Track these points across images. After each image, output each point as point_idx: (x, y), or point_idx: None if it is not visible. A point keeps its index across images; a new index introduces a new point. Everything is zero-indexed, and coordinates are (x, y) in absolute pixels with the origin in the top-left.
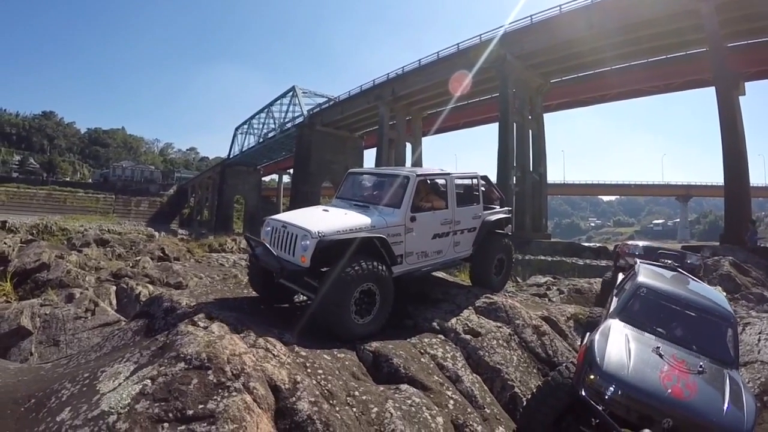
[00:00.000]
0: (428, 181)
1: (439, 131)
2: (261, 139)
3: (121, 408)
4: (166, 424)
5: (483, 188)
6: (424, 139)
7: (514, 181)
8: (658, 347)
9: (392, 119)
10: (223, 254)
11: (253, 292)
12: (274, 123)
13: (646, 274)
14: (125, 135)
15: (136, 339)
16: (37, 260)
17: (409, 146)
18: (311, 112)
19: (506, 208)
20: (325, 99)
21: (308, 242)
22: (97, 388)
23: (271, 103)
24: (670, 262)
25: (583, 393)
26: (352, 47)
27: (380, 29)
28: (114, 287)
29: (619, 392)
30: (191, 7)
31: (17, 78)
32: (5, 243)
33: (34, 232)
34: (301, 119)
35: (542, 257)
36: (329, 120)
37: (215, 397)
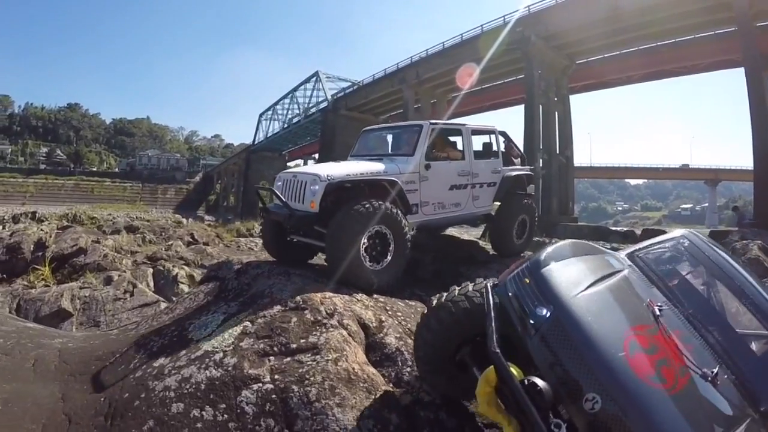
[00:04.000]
0: (443, 131)
1: (464, 114)
2: (285, 125)
3: (225, 346)
4: (272, 357)
5: (504, 144)
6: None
7: (541, 164)
8: (660, 307)
9: (417, 102)
10: (251, 239)
11: None
12: (299, 108)
13: (699, 237)
14: (150, 124)
15: (210, 299)
16: (74, 245)
17: None
18: (335, 97)
19: (528, 167)
20: (349, 83)
21: (317, 186)
22: (189, 336)
23: (295, 89)
24: None
25: (495, 299)
26: (376, 31)
27: (404, 12)
28: (151, 269)
29: (552, 322)
30: None
31: (42, 71)
32: (42, 230)
33: (64, 221)
34: (325, 104)
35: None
36: (353, 104)
37: (315, 332)
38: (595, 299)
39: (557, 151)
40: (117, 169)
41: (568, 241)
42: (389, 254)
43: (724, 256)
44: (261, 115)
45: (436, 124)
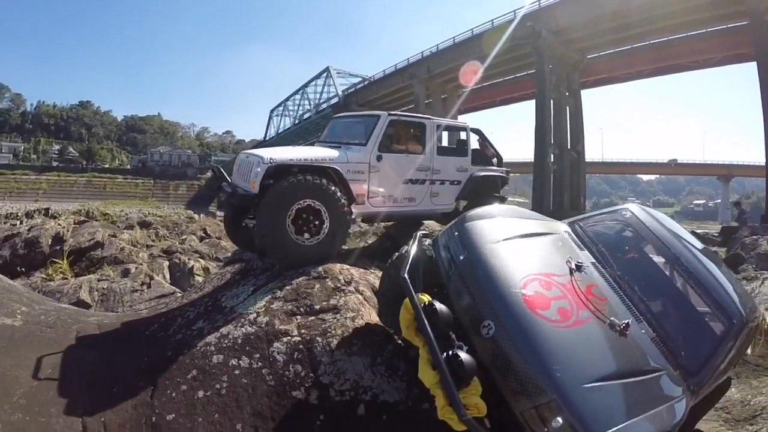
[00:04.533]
0: (403, 123)
1: (475, 109)
2: (297, 121)
3: (258, 309)
4: (299, 317)
5: (478, 143)
6: (460, 117)
7: (552, 159)
8: (580, 264)
9: (428, 98)
10: None
11: None
12: (310, 104)
13: (643, 209)
14: (161, 121)
15: (237, 277)
16: (91, 239)
17: None
18: (346, 93)
19: (503, 168)
20: (359, 79)
21: (259, 168)
22: (223, 305)
23: (306, 85)
24: None
25: (422, 243)
26: (386, 26)
27: (415, 7)
28: (167, 262)
29: (465, 262)
30: None
31: (54, 70)
32: (60, 224)
33: (78, 217)
34: (336, 100)
35: None
36: (364, 100)
37: (335, 296)
38: (509, 248)
39: (568, 146)
40: (129, 166)
41: (504, 206)
42: (324, 230)
43: (668, 228)
44: (272, 111)
45: (395, 115)
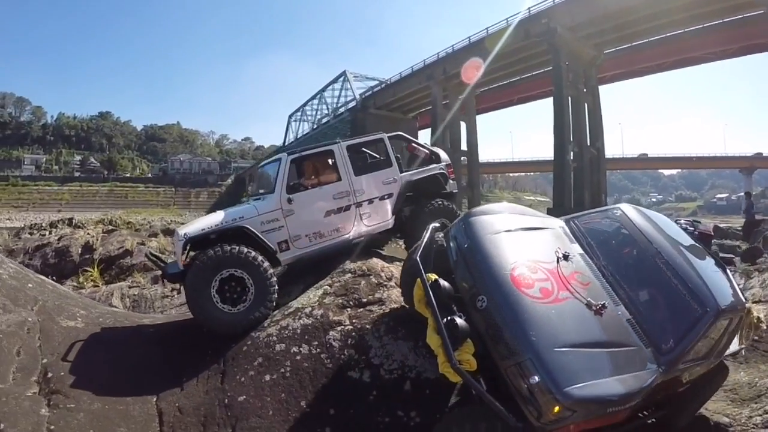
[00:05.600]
0: (308, 157)
1: (493, 108)
2: (315, 126)
3: (312, 303)
4: (349, 309)
5: (407, 147)
6: (478, 117)
7: (572, 157)
8: (567, 254)
9: (445, 98)
10: None
11: None
12: (328, 108)
13: (634, 209)
14: (181, 129)
15: (282, 279)
16: (120, 247)
17: (463, 125)
18: (363, 96)
19: (440, 164)
20: (376, 82)
21: (177, 246)
22: (278, 302)
23: (324, 89)
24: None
25: (434, 235)
26: (404, 29)
27: (432, 9)
28: None
29: (467, 248)
30: None
31: (72, 82)
32: (89, 233)
33: (100, 226)
34: (353, 103)
35: None
36: (382, 102)
37: (379, 291)
38: (505, 239)
39: (588, 143)
40: (150, 175)
41: (510, 204)
42: (249, 296)
43: (656, 225)
44: (290, 117)
45: (295, 154)
